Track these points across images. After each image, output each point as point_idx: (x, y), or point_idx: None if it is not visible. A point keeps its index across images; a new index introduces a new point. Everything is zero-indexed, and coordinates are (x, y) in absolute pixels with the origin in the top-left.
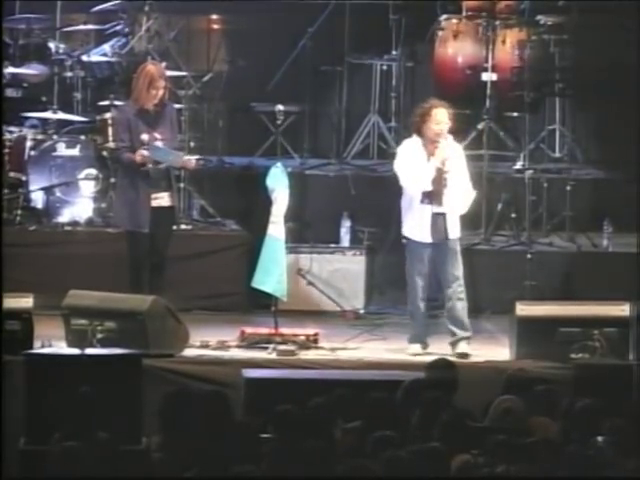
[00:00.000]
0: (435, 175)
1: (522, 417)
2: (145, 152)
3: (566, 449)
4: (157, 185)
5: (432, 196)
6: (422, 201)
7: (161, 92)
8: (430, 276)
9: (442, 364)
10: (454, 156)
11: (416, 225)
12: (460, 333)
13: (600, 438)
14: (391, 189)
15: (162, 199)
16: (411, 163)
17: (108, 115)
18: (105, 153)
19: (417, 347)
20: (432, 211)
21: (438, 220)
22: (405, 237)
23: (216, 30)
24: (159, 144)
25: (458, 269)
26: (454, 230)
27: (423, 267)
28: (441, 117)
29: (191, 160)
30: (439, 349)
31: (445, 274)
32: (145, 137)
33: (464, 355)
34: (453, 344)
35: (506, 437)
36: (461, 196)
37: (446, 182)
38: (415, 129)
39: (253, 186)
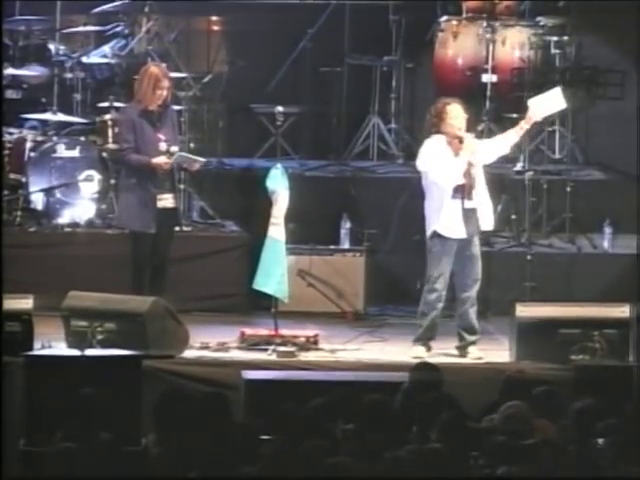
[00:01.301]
0: (466, 168)
1: (527, 422)
2: (172, 160)
3: (566, 450)
4: (162, 186)
5: (464, 190)
6: (453, 196)
7: (165, 92)
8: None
9: (425, 367)
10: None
11: (449, 222)
12: (469, 338)
13: (600, 439)
14: (391, 190)
15: (166, 200)
16: (440, 159)
17: (108, 116)
18: (105, 154)
19: (421, 349)
20: (463, 206)
21: (470, 214)
22: (436, 235)
23: (216, 31)
24: (183, 152)
25: (478, 273)
26: (485, 222)
27: (448, 268)
28: (457, 112)
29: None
30: (441, 351)
31: (464, 278)
32: (164, 145)
33: (478, 359)
34: (461, 348)
35: (506, 438)
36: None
37: (475, 175)
38: (434, 129)
39: (253, 187)
